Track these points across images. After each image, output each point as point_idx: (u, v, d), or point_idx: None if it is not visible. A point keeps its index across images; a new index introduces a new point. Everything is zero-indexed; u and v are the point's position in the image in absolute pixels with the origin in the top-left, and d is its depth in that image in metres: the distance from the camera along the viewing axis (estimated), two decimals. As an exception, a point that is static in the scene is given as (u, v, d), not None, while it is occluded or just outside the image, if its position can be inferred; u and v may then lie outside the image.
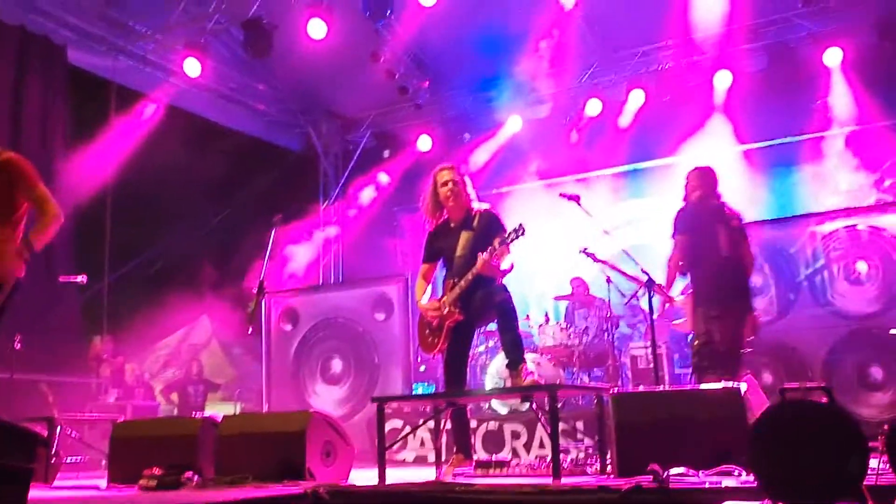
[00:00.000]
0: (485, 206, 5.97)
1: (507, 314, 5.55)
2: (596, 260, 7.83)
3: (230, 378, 14.27)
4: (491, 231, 5.63)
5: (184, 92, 12.24)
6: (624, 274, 7.68)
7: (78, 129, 11.22)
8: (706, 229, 6.19)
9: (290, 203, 13.53)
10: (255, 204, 13.19)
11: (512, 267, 5.65)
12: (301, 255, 13.37)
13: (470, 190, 5.93)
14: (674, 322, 6.89)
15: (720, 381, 5.30)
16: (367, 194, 14.22)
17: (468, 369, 6.35)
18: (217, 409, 12.67)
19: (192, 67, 11.43)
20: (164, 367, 13.66)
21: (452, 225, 5.94)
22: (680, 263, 6.33)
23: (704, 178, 6.40)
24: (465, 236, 5.79)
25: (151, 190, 11.61)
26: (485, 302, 5.62)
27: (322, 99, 14.14)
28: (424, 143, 13.69)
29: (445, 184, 5.86)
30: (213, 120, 13.19)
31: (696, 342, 6.00)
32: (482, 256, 5.44)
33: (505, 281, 5.74)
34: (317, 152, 14.63)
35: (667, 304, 6.70)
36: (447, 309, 5.71)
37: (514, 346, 5.55)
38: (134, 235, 11.80)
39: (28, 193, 4.94)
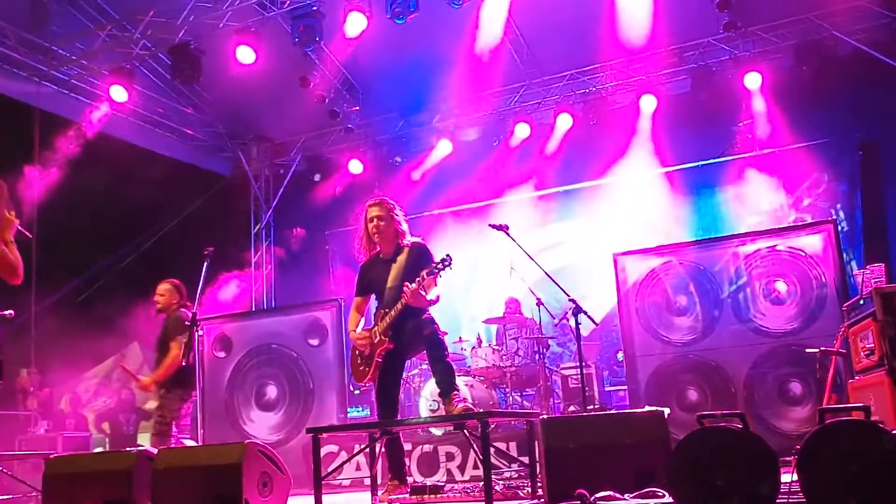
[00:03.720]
0: (415, 239, 6.10)
1: (435, 345, 5.70)
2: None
3: (162, 405, 14.06)
4: (420, 263, 5.77)
5: (111, 118, 12.05)
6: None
7: (1, 157, 11.01)
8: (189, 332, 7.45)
9: (221, 228, 13.42)
10: (186, 229, 13.00)
11: (438, 299, 5.79)
12: (233, 282, 13.27)
13: (400, 222, 6.05)
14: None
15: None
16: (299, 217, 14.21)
17: (401, 393, 6.45)
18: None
19: (118, 93, 11.32)
20: (95, 396, 13.39)
21: (383, 258, 6.07)
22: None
23: (180, 290, 7.83)
24: (395, 269, 5.93)
25: (78, 218, 11.37)
26: (414, 333, 5.76)
27: (252, 123, 14.09)
28: (356, 166, 13.72)
29: (372, 220, 6.02)
30: (142, 146, 12.96)
31: (169, 417, 7.49)
32: (409, 287, 5.56)
33: (435, 307, 5.86)
34: (247, 176, 14.56)
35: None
36: (378, 338, 5.85)
37: (446, 375, 5.69)
38: (61, 265, 11.52)
39: None
